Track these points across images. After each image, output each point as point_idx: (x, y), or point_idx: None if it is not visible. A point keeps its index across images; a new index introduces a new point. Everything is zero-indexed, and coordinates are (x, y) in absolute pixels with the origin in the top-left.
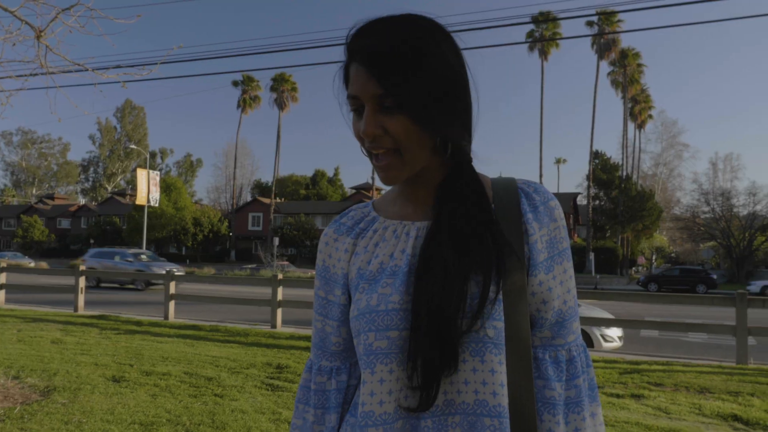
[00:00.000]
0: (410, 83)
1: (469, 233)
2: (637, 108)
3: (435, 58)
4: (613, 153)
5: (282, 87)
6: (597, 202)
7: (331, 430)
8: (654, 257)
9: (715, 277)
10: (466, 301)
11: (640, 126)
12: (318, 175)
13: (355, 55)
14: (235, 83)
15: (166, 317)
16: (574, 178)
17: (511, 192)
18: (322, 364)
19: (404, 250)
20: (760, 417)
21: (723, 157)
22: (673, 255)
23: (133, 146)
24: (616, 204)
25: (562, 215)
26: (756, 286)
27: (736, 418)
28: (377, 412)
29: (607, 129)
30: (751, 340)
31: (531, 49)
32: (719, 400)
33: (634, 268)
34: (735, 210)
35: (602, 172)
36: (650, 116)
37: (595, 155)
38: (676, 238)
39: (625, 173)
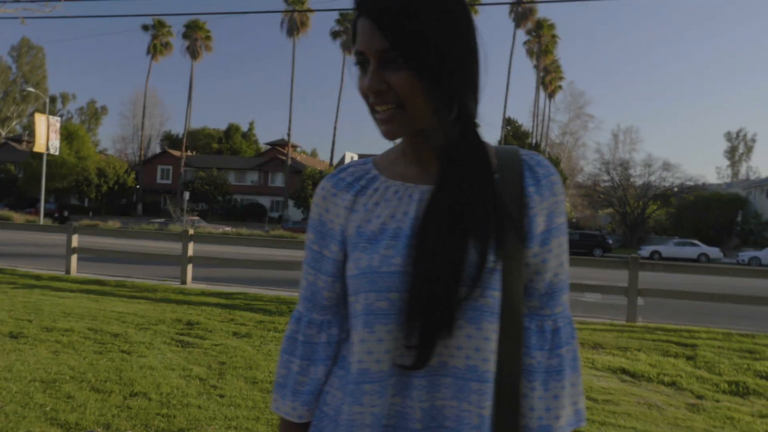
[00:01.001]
0: (417, 38)
1: (471, 201)
2: (549, 78)
3: (443, 15)
4: (525, 121)
5: (195, 34)
6: None
7: (316, 382)
8: None
9: (611, 241)
10: (464, 268)
11: (551, 95)
12: (232, 129)
13: (363, 8)
14: (146, 27)
15: (68, 271)
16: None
17: (515, 163)
18: (312, 317)
19: (407, 212)
20: (644, 370)
21: (624, 129)
22: (574, 220)
23: (30, 89)
24: None
25: (563, 190)
26: (646, 250)
27: (624, 371)
28: (374, 369)
29: (520, 97)
30: (640, 301)
31: None
32: (610, 354)
33: None
34: (632, 180)
35: (514, 138)
36: (560, 87)
37: (508, 122)
38: (578, 204)
39: (534, 141)
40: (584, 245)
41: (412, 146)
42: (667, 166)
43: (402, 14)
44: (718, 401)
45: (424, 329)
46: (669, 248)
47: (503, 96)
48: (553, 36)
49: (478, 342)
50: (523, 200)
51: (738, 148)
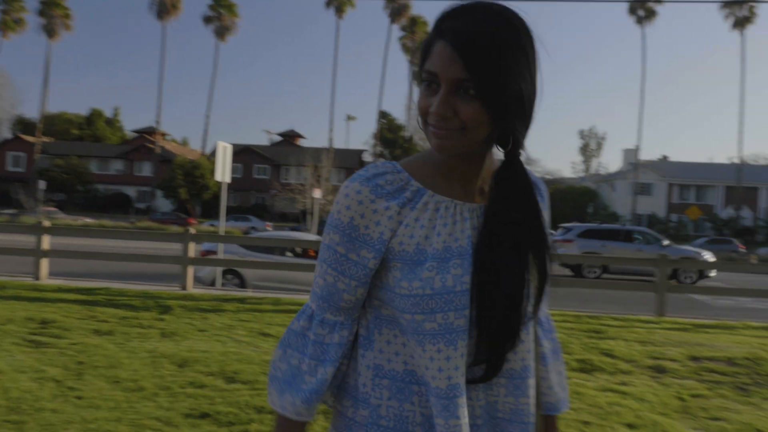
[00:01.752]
0: (494, 75)
1: (527, 222)
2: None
3: (519, 56)
4: (401, 114)
5: (53, 12)
6: (382, 159)
7: (322, 382)
8: None
9: None
10: (529, 288)
11: None
12: (94, 115)
13: (446, 34)
14: None
15: None
16: (362, 136)
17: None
18: (325, 317)
19: (463, 230)
20: None
21: None
22: None
23: None
24: None
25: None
26: None
27: None
28: (462, 383)
29: (396, 91)
30: None
31: (327, 5)
32: None
33: None
34: None
35: (388, 131)
36: None
37: (383, 115)
38: None
39: (409, 134)
40: None
41: (461, 164)
42: (528, 161)
43: (485, 49)
44: (568, 378)
45: (494, 345)
46: None
47: (378, 89)
48: (426, 33)
49: (529, 345)
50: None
51: (590, 144)
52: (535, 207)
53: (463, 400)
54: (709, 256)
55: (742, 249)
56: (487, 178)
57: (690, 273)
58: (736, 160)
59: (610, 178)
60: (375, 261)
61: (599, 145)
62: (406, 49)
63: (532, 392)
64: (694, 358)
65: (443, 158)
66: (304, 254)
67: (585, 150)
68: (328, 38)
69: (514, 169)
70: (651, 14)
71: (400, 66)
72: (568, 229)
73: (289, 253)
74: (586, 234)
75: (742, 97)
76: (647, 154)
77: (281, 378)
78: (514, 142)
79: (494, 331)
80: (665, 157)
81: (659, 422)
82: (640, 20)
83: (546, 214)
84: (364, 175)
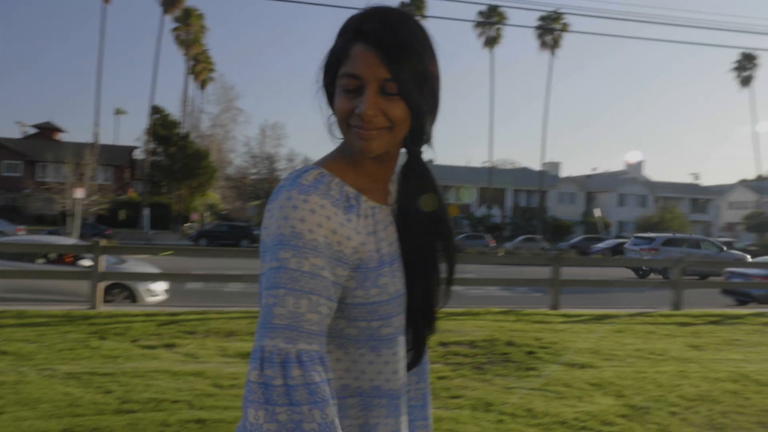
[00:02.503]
0: (412, 74)
1: (437, 221)
2: (198, 68)
3: (430, 57)
4: (176, 110)
5: None
6: (155, 157)
7: (335, 426)
8: (207, 214)
9: (256, 232)
10: (438, 281)
11: (202, 86)
12: None
13: (367, 37)
14: None
15: None
16: (134, 131)
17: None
18: (313, 351)
19: (393, 233)
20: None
21: (271, 124)
22: (224, 212)
23: None
24: (174, 160)
25: None
26: None
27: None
28: (386, 387)
29: (170, 85)
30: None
31: None
32: (242, 341)
33: (188, 224)
34: (277, 173)
35: (162, 127)
36: (211, 78)
37: (156, 110)
38: (227, 196)
39: (184, 131)
40: (233, 236)
41: (380, 166)
42: (307, 161)
43: (406, 50)
44: None
45: (420, 336)
46: None
47: (151, 83)
48: (202, 26)
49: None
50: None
51: None
52: (443, 204)
53: (404, 398)
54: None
55: (492, 243)
56: (393, 179)
57: None
58: (488, 164)
59: None
60: (344, 277)
61: None
62: (180, 42)
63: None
64: (443, 344)
65: (364, 161)
66: (60, 260)
67: None
68: (93, 24)
69: (419, 167)
70: None
71: (175, 59)
72: (651, 239)
73: (40, 260)
74: (668, 243)
75: (492, 108)
76: None
77: None
78: (425, 140)
79: (419, 324)
80: (430, 161)
81: None
82: None
83: None
84: (316, 185)
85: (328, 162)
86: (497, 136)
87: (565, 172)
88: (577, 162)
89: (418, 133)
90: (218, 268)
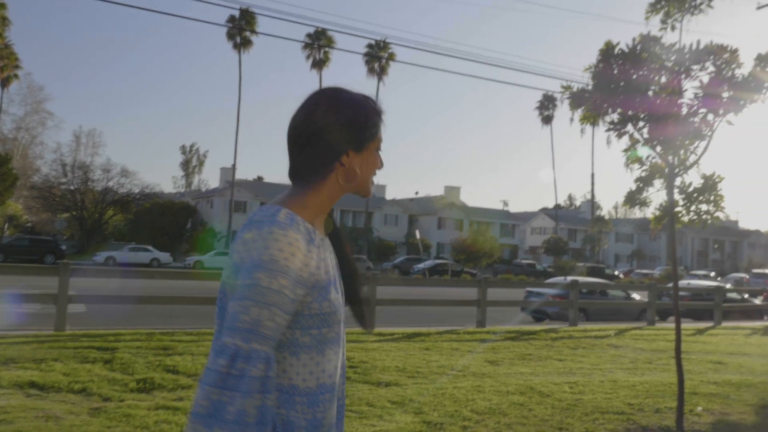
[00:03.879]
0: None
1: (351, 253)
2: (1, 64)
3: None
4: None
5: None
6: None
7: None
8: (7, 226)
9: (64, 247)
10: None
11: (4, 84)
12: None
13: (383, 120)
14: None
15: None
16: None
17: None
18: (271, 355)
19: (332, 259)
20: (56, 380)
21: (87, 131)
22: (29, 224)
23: None
24: None
25: None
26: (101, 256)
27: (33, 384)
28: (329, 383)
29: None
30: (80, 308)
31: None
32: (22, 369)
33: None
34: (91, 184)
35: None
36: (16, 76)
37: None
38: (32, 207)
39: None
40: (35, 251)
41: (329, 203)
42: (125, 173)
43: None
44: (122, 401)
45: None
46: (124, 254)
47: None
48: (4, 18)
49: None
50: None
51: (192, 160)
52: (343, 238)
53: (335, 395)
54: None
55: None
56: None
57: None
58: None
59: (208, 195)
60: (304, 295)
61: (201, 162)
62: None
63: None
64: None
65: (322, 201)
66: None
67: (187, 166)
68: None
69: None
70: (247, 43)
71: None
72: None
73: None
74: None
75: None
76: (247, 173)
77: (254, 421)
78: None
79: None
80: (260, 178)
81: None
82: (237, 46)
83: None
84: (289, 223)
85: (287, 202)
86: None
87: (390, 195)
88: (401, 185)
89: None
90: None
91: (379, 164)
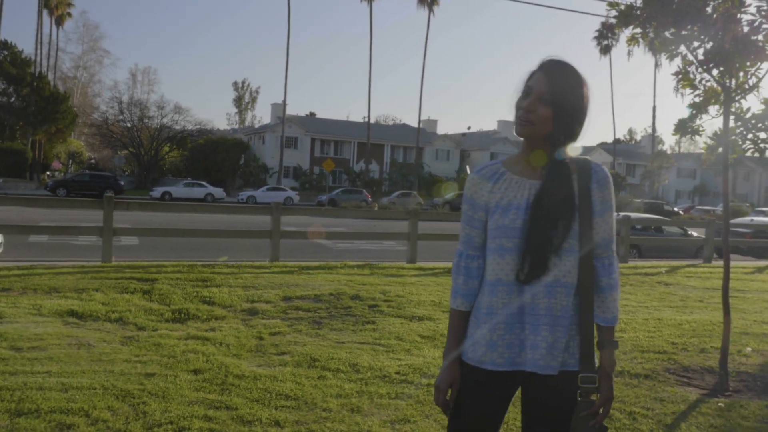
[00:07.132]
0: (563, 96)
1: (560, 193)
2: (54, 1)
3: (579, 92)
4: (30, 47)
5: None
6: (5, 98)
7: (473, 289)
8: (70, 162)
9: (122, 183)
10: (556, 230)
11: (59, 22)
12: None
13: (544, 67)
14: None
15: None
16: None
17: (586, 170)
18: (469, 253)
19: (523, 195)
20: (95, 309)
21: (142, 69)
22: (92, 161)
23: None
24: (28, 103)
25: (611, 185)
26: (158, 191)
27: (72, 313)
28: (504, 279)
29: (22, 20)
30: (133, 240)
31: None
32: (63, 298)
33: (48, 173)
34: (146, 121)
35: (12, 65)
36: (69, 14)
37: (4, 46)
38: (93, 143)
39: (39, 71)
40: (95, 186)
41: (528, 152)
42: (178, 109)
43: (560, 78)
44: (156, 330)
45: (533, 261)
46: (179, 189)
47: None
48: None
49: (564, 269)
50: (589, 192)
51: (244, 97)
52: (569, 187)
53: (502, 289)
54: None
55: (369, 198)
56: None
57: None
58: (367, 119)
59: (260, 131)
60: (485, 216)
61: (253, 99)
62: None
63: (564, 298)
64: (287, 298)
65: (525, 150)
66: None
67: (239, 102)
68: None
69: (559, 161)
70: None
71: None
72: None
73: None
74: None
75: (371, 64)
76: (298, 109)
77: (454, 290)
78: (564, 141)
79: (531, 253)
80: (312, 114)
81: (227, 364)
82: None
83: (600, 194)
84: (481, 168)
85: (510, 156)
86: (377, 92)
87: (441, 130)
88: (452, 120)
89: (561, 136)
90: (74, 220)
91: (516, 103)
